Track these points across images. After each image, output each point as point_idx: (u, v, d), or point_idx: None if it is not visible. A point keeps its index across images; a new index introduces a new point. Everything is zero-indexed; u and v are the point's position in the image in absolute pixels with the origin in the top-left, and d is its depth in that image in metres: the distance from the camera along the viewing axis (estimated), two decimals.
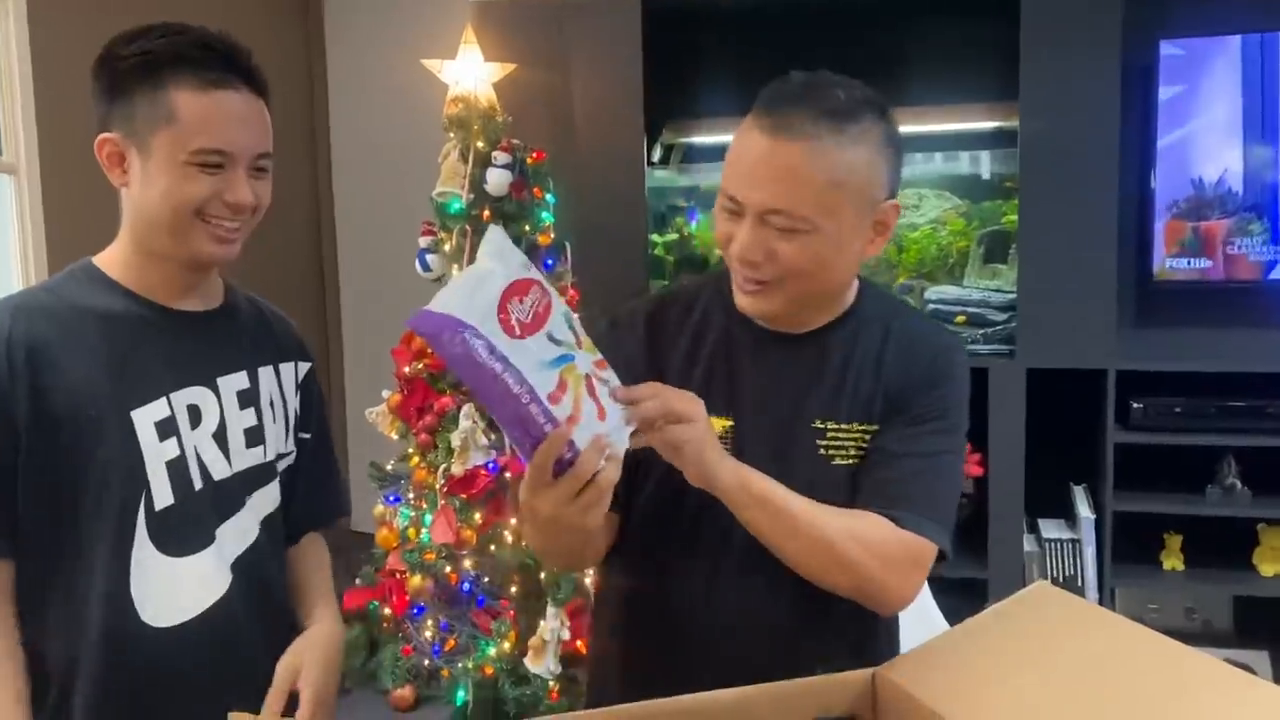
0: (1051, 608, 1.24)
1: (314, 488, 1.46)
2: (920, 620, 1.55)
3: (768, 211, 1.16)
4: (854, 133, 1.16)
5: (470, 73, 2.88)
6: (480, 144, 2.79)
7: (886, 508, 1.22)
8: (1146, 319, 3.18)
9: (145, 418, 1.23)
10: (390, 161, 3.76)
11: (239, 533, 1.31)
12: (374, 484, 2.84)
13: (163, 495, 1.23)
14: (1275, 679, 3.18)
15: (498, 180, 2.76)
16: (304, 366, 1.43)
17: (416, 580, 2.63)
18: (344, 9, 4.14)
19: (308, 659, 1.30)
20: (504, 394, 0.98)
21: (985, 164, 3.41)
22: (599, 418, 1.03)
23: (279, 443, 1.38)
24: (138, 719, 1.25)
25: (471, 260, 2.75)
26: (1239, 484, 2.98)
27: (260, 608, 1.34)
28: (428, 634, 2.67)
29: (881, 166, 1.20)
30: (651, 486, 1.29)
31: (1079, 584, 3.03)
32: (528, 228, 2.81)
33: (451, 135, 2.85)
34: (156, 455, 1.23)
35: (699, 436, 1.11)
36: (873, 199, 1.20)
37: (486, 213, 2.76)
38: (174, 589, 1.25)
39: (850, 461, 1.27)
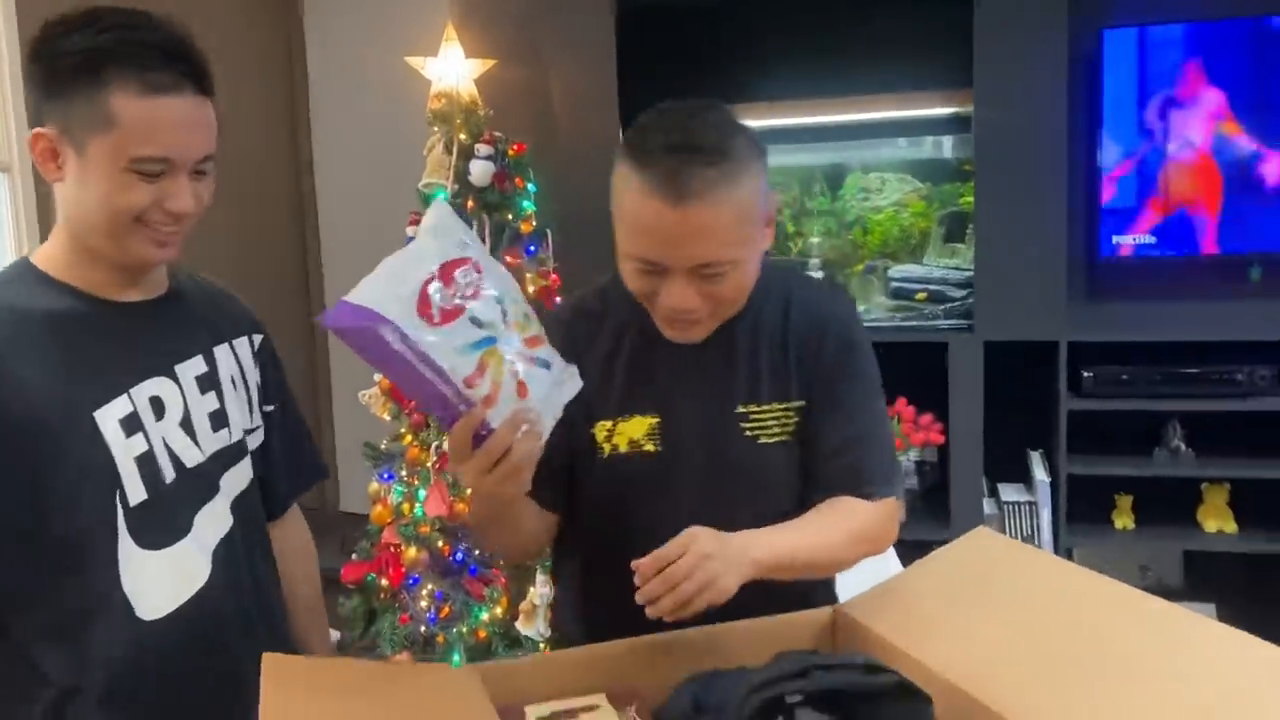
0: (990, 549, 1.37)
1: (290, 456, 1.46)
2: (882, 572, 1.68)
3: (698, 267, 1.21)
4: (737, 164, 1.20)
5: (452, 69, 2.96)
6: (463, 137, 2.87)
7: (856, 490, 1.34)
8: (1096, 293, 3.30)
9: (108, 417, 1.18)
10: (376, 155, 3.85)
11: (214, 517, 1.29)
12: (369, 462, 2.94)
13: (136, 491, 1.20)
14: None
15: (481, 171, 2.85)
16: (257, 338, 1.41)
17: (412, 552, 2.74)
18: (323, 9, 4.20)
19: None
20: (419, 380, 1.00)
21: (945, 148, 3.53)
22: (520, 396, 1.06)
23: (244, 420, 1.35)
24: (139, 712, 1.23)
25: None
26: (1184, 446, 3.14)
27: (240, 590, 1.32)
28: (423, 603, 2.79)
29: (761, 177, 1.26)
30: (596, 486, 1.38)
31: (1036, 544, 3.17)
32: (510, 216, 2.90)
33: (436, 129, 2.93)
34: (125, 452, 1.19)
35: (727, 587, 1.14)
36: (765, 207, 1.27)
37: (471, 203, 2.86)
38: (158, 581, 1.23)
39: (775, 439, 1.35)
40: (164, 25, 1.16)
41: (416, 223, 2.95)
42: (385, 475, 2.89)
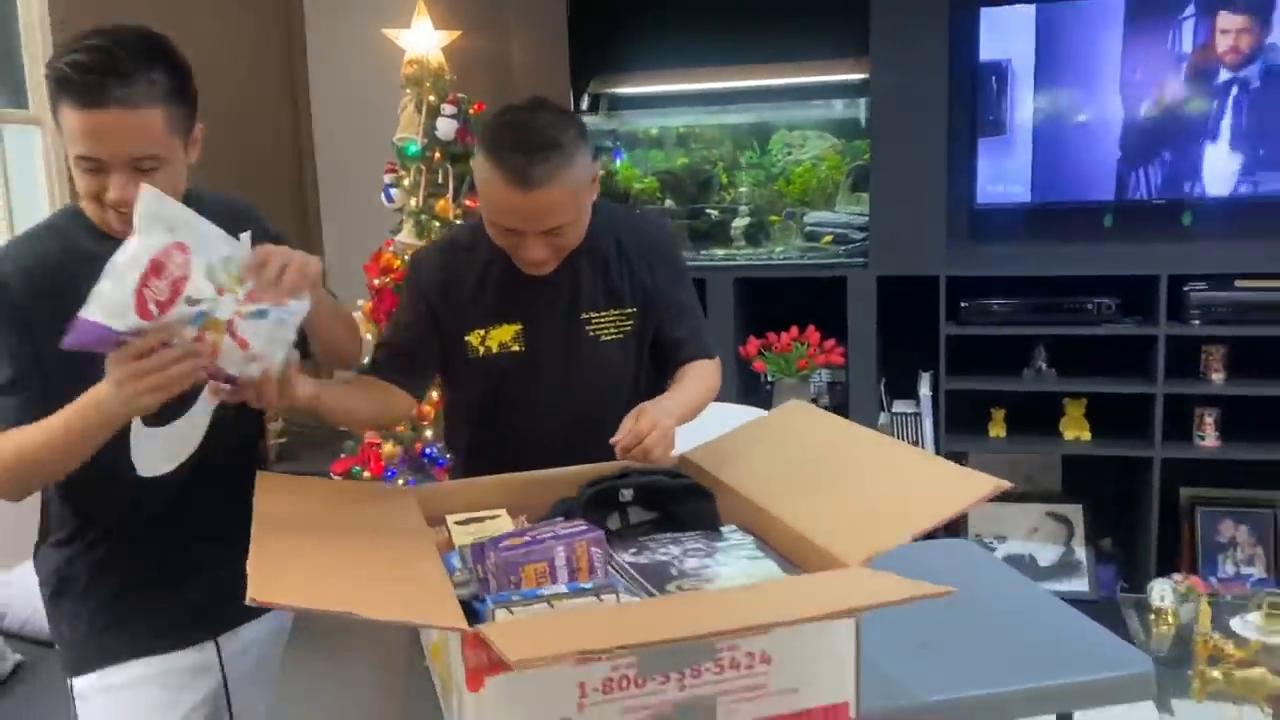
0: (800, 416, 1.76)
1: None
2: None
3: (548, 230, 1.54)
4: (567, 152, 1.48)
5: (423, 39, 3.29)
6: (431, 98, 3.20)
7: (700, 355, 1.76)
8: (972, 235, 3.65)
9: None
10: (362, 113, 4.16)
11: (204, 399, 1.45)
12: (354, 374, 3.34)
13: None
14: (1086, 528, 3.76)
15: (446, 128, 3.20)
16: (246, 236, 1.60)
17: (389, 448, 3.15)
18: None
19: None
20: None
21: (857, 110, 3.87)
22: (243, 349, 1.22)
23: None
24: (137, 549, 1.49)
25: (427, 194, 3.24)
26: (1045, 366, 3.54)
27: (229, 449, 1.53)
28: None
29: (587, 154, 1.55)
30: (475, 379, 1.72)
31: (921, 448, 3.58)
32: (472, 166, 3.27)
33: (408, 90, 3.28)
34: None
35: (670, 439, 1.50)
36: (591, 173, 1.58)
37: (438, 154, 3.22)
38: (160, 449, 1.45)
39: (612, 337, 1.71)
40: (112, 51, 1.28)
41: (392, 170, 3.32)
42: None
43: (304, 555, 1.18)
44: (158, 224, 1.17)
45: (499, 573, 1.18)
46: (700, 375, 1.74)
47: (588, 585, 1.13)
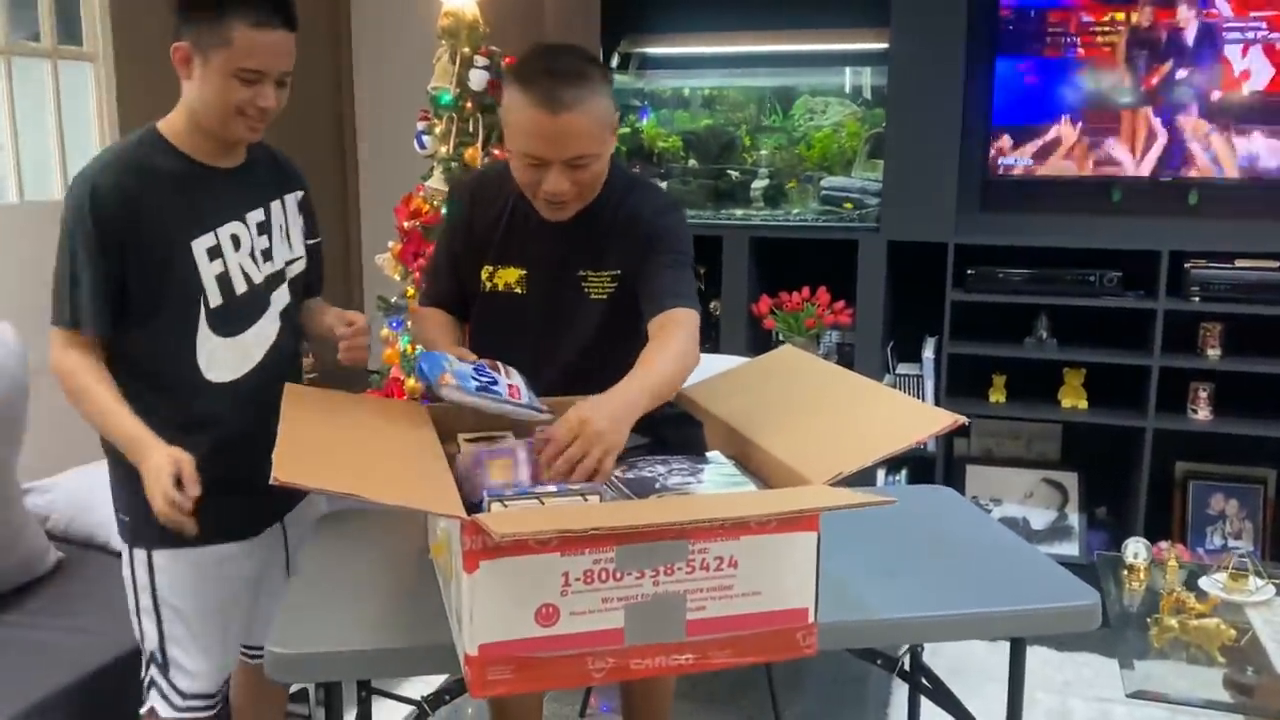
0: (790, 359, 1.87)
1: (318, 274, 1.93)
2: None
3: (571, 159, 1.56)
4: (592, 85, 1.55)
5: None
6: (465, 49, 3.28)
7: (682, 302, 1.66)
8: (983, 204, 3.69)
9: (200, 246, 1.65)
10: (401, 62, 4.23)
11: (269, 320, 1.75)
12: (380, 313, 3.47)
13: (215, 298, 1.67)
14: (1080, 496, 3.84)
15: (478, 79, 3.27)
16: (298, 194, 1.84)
17: (411, 382, 3.28)
18: None
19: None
20: None
21: (878, 77, 3.92)
22: None
23: (285, 253, 1.79)
24: (205, 442, 1.65)
25: (457, 142, 3.32)
26: (1047, 335, 3.60)
27: (283, 367, 1.78)
28: None
29: (610, 97, 1.59)
30: (481, 310, 1.83)
31: None
32: None
33: (443, 42, 3.35)
34: (209, 271, 1.66)
35: (617, 444, 1.36)
36: (612, 118, 1.62)
37: (469, 104, 3.30)
38: (225, 357, 1.70)
39: (602, 296, 1.75)
40: None
41: (425, 119, 3.41)
42: (394, 324, 3.42)
43: (323, 448, 1.30)
44: None
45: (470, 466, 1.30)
46: (685, 338, 1.60)
47: (575, 488, 1.24)
